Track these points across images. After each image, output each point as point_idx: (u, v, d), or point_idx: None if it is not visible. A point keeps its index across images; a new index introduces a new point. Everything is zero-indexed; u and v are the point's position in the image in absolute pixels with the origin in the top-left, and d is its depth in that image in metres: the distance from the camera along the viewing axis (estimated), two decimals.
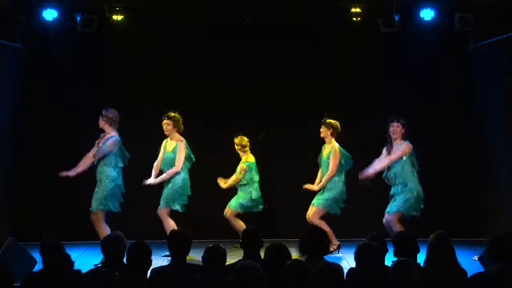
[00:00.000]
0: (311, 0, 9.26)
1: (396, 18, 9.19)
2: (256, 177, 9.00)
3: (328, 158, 8.59)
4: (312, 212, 8.60)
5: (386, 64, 9.57)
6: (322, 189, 8.63)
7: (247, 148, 8.99)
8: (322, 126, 8.61)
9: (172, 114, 8.46)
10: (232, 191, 9.07)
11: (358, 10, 9.22)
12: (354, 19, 9.28)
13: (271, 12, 9.32)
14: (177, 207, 8.45)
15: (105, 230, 7.91)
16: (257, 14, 9.33)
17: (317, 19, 9.40)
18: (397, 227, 7.93)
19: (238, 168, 8.96)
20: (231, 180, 9.00)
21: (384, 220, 8.17)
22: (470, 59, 9.49)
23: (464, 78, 9.62)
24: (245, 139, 8.98)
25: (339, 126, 8.62)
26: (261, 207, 9.04)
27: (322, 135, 8.65)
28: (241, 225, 8.78)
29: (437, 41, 9.34)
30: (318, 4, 9.22)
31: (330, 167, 8.56)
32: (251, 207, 8.99)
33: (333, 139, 8.63)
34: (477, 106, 9.62)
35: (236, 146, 8.97)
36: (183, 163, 8.45)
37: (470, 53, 9.41)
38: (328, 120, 8.60)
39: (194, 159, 8.56)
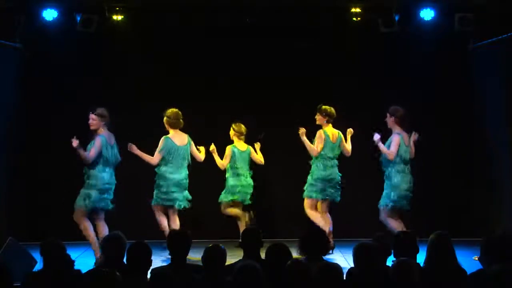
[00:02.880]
0: (311, 0, 9.26)
1: (396, 18, 9.19)
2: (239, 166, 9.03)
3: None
4: (304, 204, 8.63)
5: (386, 64, 9.57)
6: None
7: (242, 137, 9.06)
8: (317, 114, 8.61)
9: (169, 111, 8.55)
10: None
11: (358, 10, 9.22)
12: (354, 19, 9.28)
13: (271, 12, 9.31)
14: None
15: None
16: (257, 14, 9.33)
17: (317, 19, 9.40)
18: (389, 223, 8.09)
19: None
20: (217, 160, 8.96)
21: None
22: (470, 59, 9.49)
23: (464, 78, 9.62)
24: (243, 126, 9.07)
25: (334, 112, 8.60)
26: (232, 197, 9.03)
27: (318, 122, 8.66)
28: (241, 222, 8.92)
29: (437, 41, 9.35)
30: (318, 4, 9.22)
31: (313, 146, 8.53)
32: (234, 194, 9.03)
33: (329, 125, 8.63)
34: (477, 106, 9.62)
35: (233, 132, 9.03)
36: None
37: (470, 53, 9.42)
38: (323, 107, 8.59)
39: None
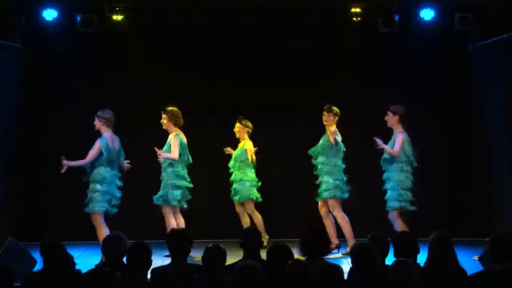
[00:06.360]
0: (311, 0, 9.27)
1: (396, 18, 9.20)
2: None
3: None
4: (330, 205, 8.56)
5: (386, 64, 9.57)
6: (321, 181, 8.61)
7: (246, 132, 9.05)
8: (326, 114, 8.52)
9: (169, 108, 8.42)
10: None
11: (358, 10, 9.22)
12: (354, 19, 9.28)
13: (271, 12, 9.31)
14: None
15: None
16: (257, 14, 9.33)
17: (317, 19, 9.39)
18: (398, 223, 8.03)
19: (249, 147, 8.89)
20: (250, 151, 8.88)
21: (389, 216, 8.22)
22: (470, 59, 9.49)
23: (464, 78, 9.63)
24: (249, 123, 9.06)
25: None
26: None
27: (326, 123, 8.54)
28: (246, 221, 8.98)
29: (437, 41, 9.35)
30: (318, 4, 9.22)
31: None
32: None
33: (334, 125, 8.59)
34: (477, 106, 9.62)
35: (242, 127, 8.98)
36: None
37: (470, 53, 9.42)
38: (334, 108, 8.53)
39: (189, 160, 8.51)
